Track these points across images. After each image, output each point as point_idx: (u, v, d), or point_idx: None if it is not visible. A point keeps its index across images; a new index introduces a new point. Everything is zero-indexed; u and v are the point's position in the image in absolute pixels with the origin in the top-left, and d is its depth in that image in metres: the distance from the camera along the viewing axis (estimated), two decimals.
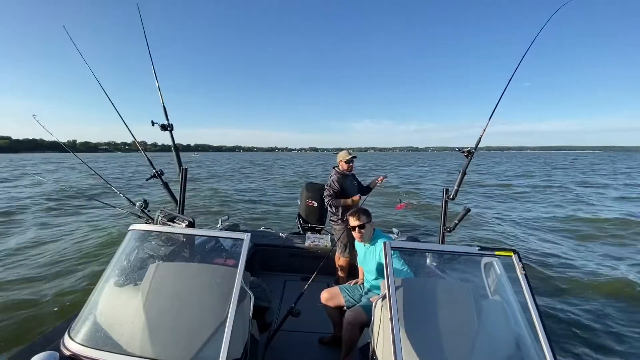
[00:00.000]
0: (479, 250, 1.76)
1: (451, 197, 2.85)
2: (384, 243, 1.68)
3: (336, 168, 3.81)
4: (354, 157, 3.75)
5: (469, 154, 2.82)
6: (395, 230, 4.40)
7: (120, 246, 1.95)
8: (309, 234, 4.43)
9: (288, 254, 3.96)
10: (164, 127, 2.77)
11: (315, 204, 4.62)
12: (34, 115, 3.21)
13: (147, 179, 2.83)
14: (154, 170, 2.79)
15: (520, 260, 1.69)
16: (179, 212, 2.79)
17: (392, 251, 1.66)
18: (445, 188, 2.92)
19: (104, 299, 1.76)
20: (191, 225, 2.30)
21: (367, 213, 2.49)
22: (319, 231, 4.62)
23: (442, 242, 2.88)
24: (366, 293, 2.51)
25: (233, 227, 4.39)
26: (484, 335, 1.57)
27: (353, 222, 2.45)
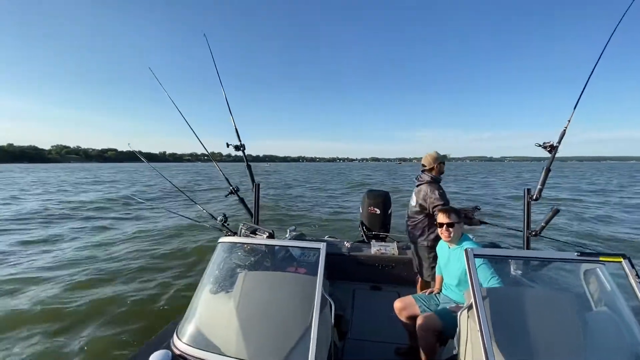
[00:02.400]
0: (578, 255, 1.56)
1: (534, 197, 2.56)
2: (466, 250, 1.58)
3: (427, 174, 3.18)
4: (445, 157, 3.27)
5: (552, 148, 2.53)
6: (470, 236, 4.09)
7: (212, 257, 2.17)
8: (373, 241, 4.36)
9: (355, 262, 3.95)
10: (237, 148, 3.10)
11: (378, 211, 4.56)
12: (128, 143, 3.93)
13: (225, 196, 3.18)
14: (230, 187, 3.11)
15: (633, 267, 1.47)
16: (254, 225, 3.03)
17: (479, 259, 1.55)
18: (526, 188, 2.65)
19: (202, 305, 1.98)
20: (271, 236, 2.51)
21: (457, 212, 2.41)
22: (383, 239, 4.54)
23: (527, 248, 2.59)
24: (443, 301, 2.41)
25: (300, 237, 4.56)
26: (593, 351, 1.41)
27: (443, 219, 2.39)
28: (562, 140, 2.48)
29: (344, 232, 8.59)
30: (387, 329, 2.88)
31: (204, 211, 3.39)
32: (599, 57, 2.43)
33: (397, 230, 4.90)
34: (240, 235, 2.60)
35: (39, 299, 4.68)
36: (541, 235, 2.51)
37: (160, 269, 6.14)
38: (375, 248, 4.02)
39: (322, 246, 1.81)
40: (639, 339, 1.39)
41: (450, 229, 2.36)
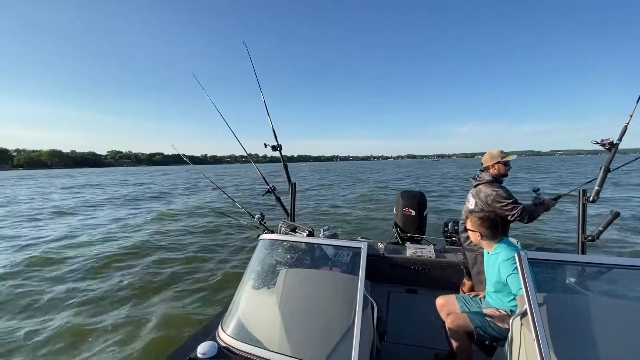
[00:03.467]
0: None
1: (591, 199, 2.36)
2: (518, 254, 1.50)
3: (485, 173, 2.98)
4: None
5: (612, 146, 2.32)
6: (513, 240, 3.86)
7: (254, 254, 2.24)
8: (408, 243, 4.26)
9: (389, 264, 3.88)
10: (274, 148, 3.20)
11: (413, 213, 4.44)
12: (172, 144, 4.21)
13: (262, 195, 3.30)
14: (268, 186, 3.22)
15: None
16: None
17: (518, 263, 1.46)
18: (581, 189, 2.45)
19: (245, 299, 2.04)
20: (311, 234, 2.57)
21: (485, 220, 2.29)
22: (418, 241, 4.41)
23: (582, 254, 2.40)
24: (485, 306, 2.32)
25: (333, 237, 4.58)
26: None
27: (467, 224, 2.37)
28: (624, 137, 2.27)
29: (376, 235, 8.49)
30: (425, 333, 2.81)
31: (243, 210, 3.54)
32: None
33: (432, 233, 4.73)
34: (280, 233, 2.67)
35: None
36: (599, 239, 2.31)
37: (206, 259, 6.55)
38: (411, 250, 3.92)
39: (364, 245, 1.81)
40: None
41: (474, 235, 2.30)
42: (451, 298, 2.50)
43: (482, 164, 3.03)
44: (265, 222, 3.31)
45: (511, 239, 3.98)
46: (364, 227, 10.18)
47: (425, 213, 4.53)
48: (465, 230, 2.64)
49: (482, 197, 2.86)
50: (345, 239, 4.82)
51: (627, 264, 1.48)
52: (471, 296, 2.48)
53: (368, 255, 4.03)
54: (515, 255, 1.50)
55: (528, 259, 1.45)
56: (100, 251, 7.43)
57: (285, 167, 3.28)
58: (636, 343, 1.34)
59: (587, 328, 1.40)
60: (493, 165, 2.93)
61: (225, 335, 1.83)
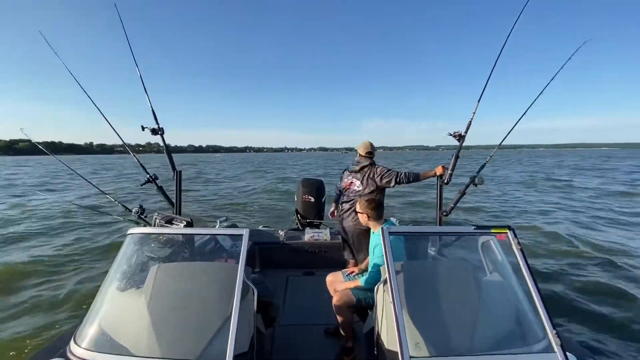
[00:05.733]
0: (475, 229, 1.75)
1: (445, 181, 2.83)
2: (382, 228, 1.68)
3: (364, 158, 3.43)
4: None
5: (460, 137, 2.79)
6: (393, 219, 4.40)
7: (120, 251, 1.96)
8: (307, 229, 4.44)
9: (288, 250, 3.99)
10: (154, 132, 2.82)
11: (312, 199, 4.63)
12: (21, 128, 3.35)
13: (142, 184, 2.89)
14: (147, 175, 2.85)
15: (516, 236, 1.67)
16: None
17: (390, 236, 1.66)
18: (439, 174, 2.89)
19: (107, 304, 1.78)
20: (189, 225, 2.35)
21: (371, 200, 2.49)
22: (317, 226, 4.63)
23: (440, 226, 2.86)
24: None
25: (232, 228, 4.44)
26: (485, 311, 1.59)
27: (359, 207, 2.50)
28: (469, 130, 2.76)
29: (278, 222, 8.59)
30: (319, 311, 2.98)
31: (117, 203, 3.07)
32: (499, 53, 2.71)
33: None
34: (154, 226, 2.40)
35: None
36: (451, 214, 2.78)
37: (54, 272, 5.47)
38: (309, 235, 4.09)
39: (245, 232, 1.75)
40: (520, 298, 1.62)
41: (363, 216, 2.48)
42: (338, 275, 2.70)
43: (361, 152, 3.48)
44: (146, 216, 2.94)
45: (392, 219, 4.55)
46: (269, 216, 10.18)
47: (323, 199, 4.77)
48: (354, 212, 2.94)
49: (372, 175, 3.30)
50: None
51: (458, 231, 1.82)
52: (355, 272, 2.69)
53: (268, 243, 4.08)
54: (380, 230, 1.68)
55: (389, 232, 1.64)
56: None
57: (169, 153, 2.95)
58: (464, 293, 1.66)
59: (430, 287, 1.67)
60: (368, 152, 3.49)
61: (79, 349, 1.57)
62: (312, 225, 4.61)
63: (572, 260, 5.78)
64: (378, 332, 1.75)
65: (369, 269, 2.32)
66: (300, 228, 4.62)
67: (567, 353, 1.38)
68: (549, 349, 1.40)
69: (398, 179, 3.21)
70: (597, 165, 35.52)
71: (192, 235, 2.46)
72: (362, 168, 3.35)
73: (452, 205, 2.76)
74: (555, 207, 11.15)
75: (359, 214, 2.55)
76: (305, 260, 3.97)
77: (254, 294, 1.70)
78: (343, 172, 3.58)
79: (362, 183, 3.31)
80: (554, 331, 1.40)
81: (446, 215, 2.76)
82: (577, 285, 4.70)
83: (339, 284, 2.57)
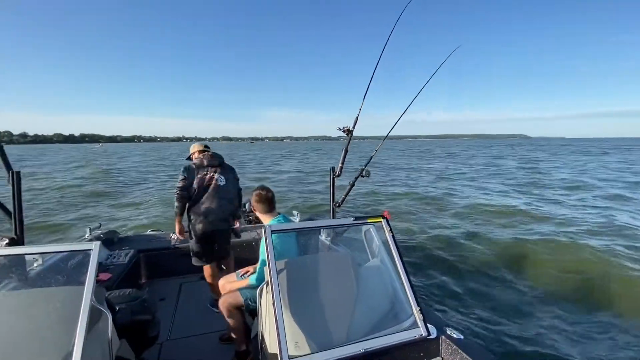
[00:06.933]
0: (353, 220, 1.85)
1: (337, 174, 2.97)
2: (264, 227, 1.61)
3: (212, 157, 3.11)
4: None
5: (349, 132, 2.95)
6: (295, 212, 4.45)
7: None
8: None
9: (181, 255, 3.63)
10: None
11: None
12: None
13: None
14: None
15: (389, 224, 1.83)
16: (16, 228, 2.23)
17: (273, 234, 1.62)
18: (332, 167, 3.01)
19: None
20: (15, 242, 1.83)
21: (256, 194, 2.38)
22: None
23: (333, 217, 2.99)
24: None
25: (109, 235, 3.79)
26: (363, 297, 1.67)
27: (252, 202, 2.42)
28: (355, 125, 2.94)
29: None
30: (215, 318, 2.79)
31: None
32: (380, 57, 2.93)
33: None
34: None
35: None
36: (343, 205, 2.93)
37: None
38: None
39: (95, 246, 1.48)
40: (394, 280, 1.78)
41: (256, 211, 2.43)
42: (231, 276, 2.56)
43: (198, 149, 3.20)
44: None
45: (294, 212, 4.61)
46: (160, 219, 9.18)
47: None
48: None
49: (232, 174, 3.15)
50: (123, 236, 4.05)
51: (338, 223, 1.92)
52: (249, 272, 2.59)
53: (158, 250, 3.61)
54: (263, 228, 1.63)
55: (271, 231, 1.59)
56: None
57: (1, 148, 2.26)
58: (343, 283, 1.73)
59: (314, 280, 1.68)
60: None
61: None
62: None
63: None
64: (262, 336, 1.71)
65: (257, 267, 2.26)
66: None
67: (429, 325, 1.60)
68: (415, 325, 1.58)
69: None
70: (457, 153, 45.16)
71: (20, 255, 1.94)
72: (220, 164, 3.10)
73: (343, 196, 2.91)
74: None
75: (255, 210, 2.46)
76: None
77: (108, 318, 1.47)
78: (187, 170, 2.97)
79: (227, 178, 3.08)
80: (418, 308, 1.60)
81: (338, 206, 2.90)
82: (437, 259, 5.68)
83: (230, 285, 2.45)
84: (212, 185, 2.97)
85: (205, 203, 2.93)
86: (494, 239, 6.75)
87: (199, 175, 2.94)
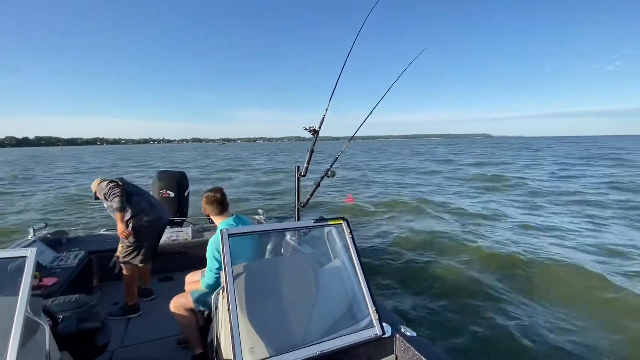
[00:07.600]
0: (314, 222, 1.83)
1: (302, 174, 2.98)
2: (221, 230, 1.54)
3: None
4: None
5: (315, 132, 2.98)
6: (260, 211, 4.39)
7: None
8: (168, 228, 3.98)
9: None
10: None
11: (172, 194, 4.15)
12: None
13: None
14: None
15: (349, 226, 1.83)
16: None
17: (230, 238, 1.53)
18: (297, 166, 3.01)
19: None
20: None
21: (204, 196, 2.31)
22: (179, 224, 4.19)
23: (298, 218, 2.99)
24: None
25: (56, 236, 3.53)
26: (322, 299, 1.64)
27: None
28: (322, 125, 2.98)
29: None
30: (174, 321, 2.68)
31: None
32: (347, 57, 3.00)
33: (196, 214, 4.63)
34: None
35: None
36: (309, 205, 2.94)
37: None
38: (165, 236, 3.64)
39: (30, 252, 1.36)
40: (353, 281, 1.76)
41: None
42: (197, 274, 2.45)
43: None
44: None
45: (260, 212, 4.53)
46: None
47: (186, 194, 4.33)
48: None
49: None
50: (73, 237, 3.80)
51: (299, 225, 1.92)
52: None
53: (110, 251, 3.40)
54: (220, 232, 1.56)
55: (228, 234, 1.53)
56: None
57: None
58: (303, 286, 1.70)
59: (273, 284, 1.63)
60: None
61: None
62: (173, 224, 4.12)
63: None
64: (217, 339, 1.67)
65: (207, 269, 2.15)
66: None
67: (384, 324, 1.62)
68: (371, 324, 1.60)
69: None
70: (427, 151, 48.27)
71: None
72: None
73: (308, 197, 2.93)
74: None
75: None
76: (161, 265, 3.52)
77: (45, 330, 1.37)
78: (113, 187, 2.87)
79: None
80: (374, 307, 1.62)
81: (303, 206, 2.91)
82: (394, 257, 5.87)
83: (194, 284, 2.36)
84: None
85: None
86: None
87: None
